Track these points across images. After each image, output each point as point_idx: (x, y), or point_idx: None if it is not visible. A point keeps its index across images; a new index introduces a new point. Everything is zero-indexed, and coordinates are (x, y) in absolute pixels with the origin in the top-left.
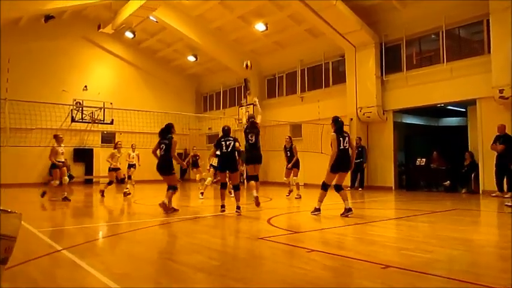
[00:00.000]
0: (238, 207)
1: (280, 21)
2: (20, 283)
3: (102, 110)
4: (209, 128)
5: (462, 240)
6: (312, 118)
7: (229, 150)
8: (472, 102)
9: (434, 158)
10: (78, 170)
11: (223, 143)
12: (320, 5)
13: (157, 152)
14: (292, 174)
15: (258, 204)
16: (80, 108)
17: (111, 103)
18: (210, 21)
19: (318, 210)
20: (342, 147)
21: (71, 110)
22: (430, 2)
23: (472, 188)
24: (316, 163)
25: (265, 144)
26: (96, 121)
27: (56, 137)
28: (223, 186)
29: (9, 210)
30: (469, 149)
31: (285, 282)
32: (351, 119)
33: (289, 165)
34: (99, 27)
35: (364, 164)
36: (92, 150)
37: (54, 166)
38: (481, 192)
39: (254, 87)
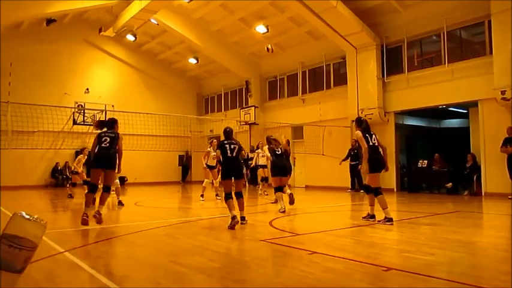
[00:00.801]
0: (243, 218)
1: (280, 23)
2: (22, 285)
3: (104, 112)
4: (210, 130)
5: (464, 242)
6: (313, 120)
7: (234, 155)
8: (474, 104)
9: (436, 159)
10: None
11: (227, 146)
12: (321, 6)
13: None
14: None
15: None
16: (82, 111)
17: (112, 106)
18: (210, 23)
19: (388, 219)
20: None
21: (73, 112)
22: (431, 3)
23: (474, 190)
24: (317, 165)
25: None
26: None
27: None
28: (230, 196)
29: (35, 217)
30: (471, 151)
31: (286, 284)
32: (352, 121)
33: None
34: (100, 30)
35: (360, 166)
36: None
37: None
38: (483, 194)
39: (255, 89)
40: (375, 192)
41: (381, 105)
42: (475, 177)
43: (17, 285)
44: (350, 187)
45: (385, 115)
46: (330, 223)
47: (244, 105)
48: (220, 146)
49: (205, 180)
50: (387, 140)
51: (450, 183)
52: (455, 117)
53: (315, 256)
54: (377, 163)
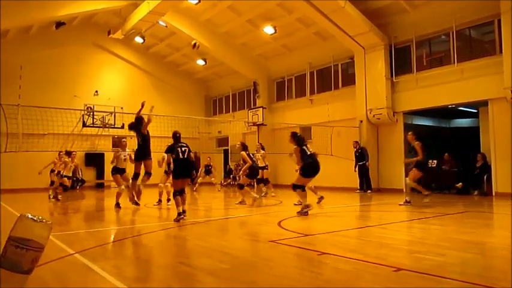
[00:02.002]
0: (184, 211)
1: (288, 24)
2: (32, 286)
3: (113, 114)
4: (219, 132)
5: (475, 243)
6: (321, 120)
7: (185, 156)
8: (484, 103)
9: (445, 159)
10: (89, 175)
11: (178, 149)
12: (329, 7)
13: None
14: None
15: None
16: (91, 113)
17: (121, 108)
18: (218, 25)
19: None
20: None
21: (82, 115)
22: (440, 2)
23: (485, 190)
24: (325, 165)
25: (274, 147)
26: (107, 126)
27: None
28: (179, 193)
29: (40, 218)
30: (481, 151)
31: (296, 285)
32: (361, 121)
33: None
34: (109, 33)
35: (367, 163)
36: (103, 154)
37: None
38: (493, 194)
39: (263, 91)
40: (303, 188)
41: (390, 106)
42: (485, 177)
43: (26, 286)
44: (359, 187)
45: (393, 115)
46: (339, 224)
47: (252, 106)
48: (173, 149)
49: (160, 184)
50: (396, 140)
51: (460, 183)
52: (465, 116)
53: (325, 257)
54: (313, 170)
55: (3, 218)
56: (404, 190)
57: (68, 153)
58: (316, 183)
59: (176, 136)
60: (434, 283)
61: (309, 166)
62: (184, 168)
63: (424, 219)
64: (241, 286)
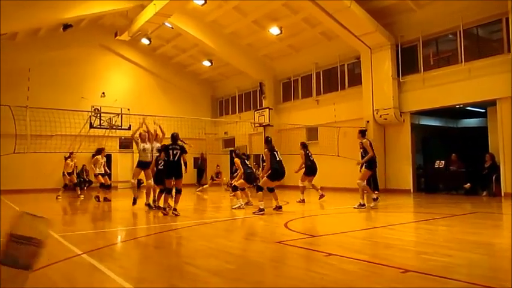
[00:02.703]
0: (175, 209)
1: (294, 25)
2: (41, 285)
3: (120, 116)
4: (225, 133)
5: (483, 244)
6: (328, 121)
7: (175, 159)
8: (492, 103)
9: (453, 160)
10: None
11: (170, 151)
12: (334, 7)
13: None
14: None
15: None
16: (98, 115)
17: (128, 109)
18: (224, 26)
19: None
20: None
21: (90, 116)
22: (447, 1)
23: (493, 190)
24: (332, 166)
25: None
26: (114, 127)
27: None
28: (168, 191)
29: (36, 214)
30: (490, 151)
31: (302, 286)
32: (368, 122)
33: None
34: (115, 35)
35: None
36: (110, 155)
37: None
38: (502, 194)
39: (269, 91)
40: (270, 189)
41: (397, 106)
42: (493, 177)
43: (32, 285)
44: None
45: (400, 115)
46: (345, 225)
47: (258, 107)
48: (166, 150)
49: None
50: (403, 140)
51: (468, 184)
52: (473, 116)
53: (331, 258)
54: (279, 175)
55: (11, 218)
56: (410, 190)
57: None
58: (323, 183)
59: (173, 137)
60: (441, 284)
61: (276, 171)
62: (173, 170)
63: (431, 220)
64: (247, 286)
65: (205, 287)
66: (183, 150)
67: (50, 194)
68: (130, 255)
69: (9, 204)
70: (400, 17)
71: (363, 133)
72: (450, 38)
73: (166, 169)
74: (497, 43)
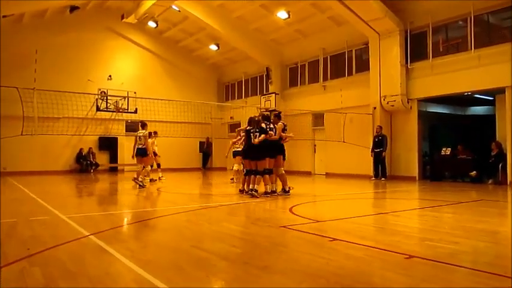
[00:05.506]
0: (266, 192)
1: (302, 9)
2: (50, 266)
3: (126, 99)
4: (231, 117)
5: (488, 231)
6: (334, 107)
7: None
8: (501, 91)
9: (459, 150)
10: (103, 158)
11: (251, 134)
12: None
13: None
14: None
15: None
16: (105, 98)
17: (134, 92)
18: (231, 10)
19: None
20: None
21: (96, 99)
22: None
23: (499, 178)
24: (338, 152)
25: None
26: (120, 110)
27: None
28: (248, 173)
29: None
30: (497, 139)
31: (307, 271)
32: (374, 108)
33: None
34: (122, 18)
35: (384, 153)
36: (116, 139)
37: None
38: (508, 183)
39: (276, 76)
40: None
41: (404, 92)
42: (500, 165)
43: (40, 265)
44: (373, 175)
45: (408, 102)
46: (351, 210)
47: (264, 92)
48: (246, 132)
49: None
50: (410, 127)
51: (474, 172)
52: (481, 104)
53: (336, 243)
54: (246, 155)
55: (21, 200)
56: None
57: None
58: (328, 169)
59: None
60: (447, 271)
61: (244, 151)
62: (249, 151)
63: (437, 207)
64: (254, 270)
65: (212, 271)
66: (263, 131)
67: (57, 177)
68: (137, 237)
69: (19, 186)
70: (410, 3)
71: (278, 116)
72: (460, 25)
73: (246, 150)
74: (507, 30)
